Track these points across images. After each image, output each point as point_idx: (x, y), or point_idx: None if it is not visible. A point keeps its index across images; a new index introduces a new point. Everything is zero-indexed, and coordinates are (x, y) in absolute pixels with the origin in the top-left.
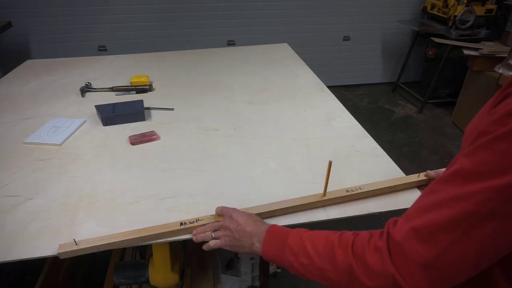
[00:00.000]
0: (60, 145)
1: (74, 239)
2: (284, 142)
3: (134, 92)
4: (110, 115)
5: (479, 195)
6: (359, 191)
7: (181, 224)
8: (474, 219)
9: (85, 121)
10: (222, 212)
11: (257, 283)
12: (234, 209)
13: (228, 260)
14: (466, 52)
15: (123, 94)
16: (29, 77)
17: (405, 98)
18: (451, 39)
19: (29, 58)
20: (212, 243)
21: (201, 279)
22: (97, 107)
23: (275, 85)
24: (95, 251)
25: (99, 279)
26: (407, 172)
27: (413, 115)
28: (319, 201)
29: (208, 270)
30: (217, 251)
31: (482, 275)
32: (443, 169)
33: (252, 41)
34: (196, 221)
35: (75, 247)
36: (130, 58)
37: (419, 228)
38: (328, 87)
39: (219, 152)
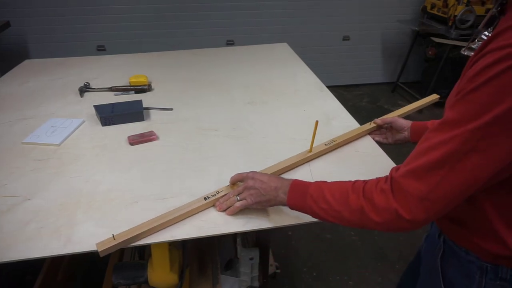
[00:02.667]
0: (58, 145)
1: (112, 234)
2: (283, 142)
3: (133, 92)
4: (109, 115)
5: (460, 137)
6: (334, 143)
7: (205, 198)
8: (457, 157)
9: (83, 121)
10: (239, 178)
11: (256, 284)
12: (253, 172)
13: (227, 260)
14: (466, 52)
15: (122, 94)
16: (28, 77)
17: (405, 98)
18: (451, 39)
19: (28, 58)
20: (239, 204)
21: (200, 280)
22: (96, 107)
23: (275, 85)
24: (132, 244)
25: (98, 279)
26: None
27: (413, 115)
28: (308, 156)
29: (207, 270)
30: (216, 251)
31: (476, 213)
32: (388, 115)
33: (252, 41)
34: (217, 193)
35: (114, 242)
36: (128, 58)
37: (415, 169)
38: (328, 87)
39: (218, 152)
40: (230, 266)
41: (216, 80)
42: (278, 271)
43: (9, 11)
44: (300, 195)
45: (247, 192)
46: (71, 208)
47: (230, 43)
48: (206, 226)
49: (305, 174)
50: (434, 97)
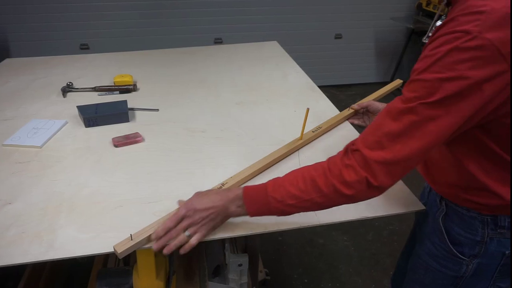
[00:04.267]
0: (40, 147)
1: (130, 234)
2: (273, 144)
3: (118, 92)
4: (93, 116)
5: (416, 110)
6: (320, 129)
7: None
8: (415, 126)
9: (66, 122)
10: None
11: None
12: (191, 201)
13: (215, 267)
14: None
15: (106, 94)
16: (8, 76)
17: None
18: None
19: (8, 57)
20: (195, 241)
21: (187, 287)
22: (79, 107)
23: (264, 84)
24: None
25: (81, 286)
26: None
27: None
28: (299, 143)
29: (194, 277)
30: (204, 258)
31: (467, 175)
32: (363, 100)
33: (240, 39)
34: (222, 186)
35: (132, 243)
36: (113, 57)
37: (379, 140)
38: (319, 87)
39: (206, 154)
40: (218, 272)
41: (204, 79)
42: (268, 277)
43: None
44: (260, 201)
45: (195, 226)
46: (53, 213)
47: (218, 41)
48: None
49: (296, 163)
50: (397, 82)
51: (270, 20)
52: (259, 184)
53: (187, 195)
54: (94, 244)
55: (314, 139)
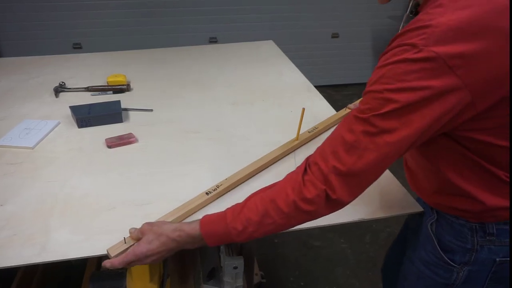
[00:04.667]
0: (32, 148)
1: (124, 238)
2: (268, 145)
3: (111, 92)
4: (86, 117)
5: (369, 123)
6: (317, 130)
7: (207, 193)
8: (369, 138)
9: (59, 123)
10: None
11: None
12: (139, 247)
13: (210, 269)
14: None
15: (99, 95)
16: None
17: None
18: None
19: None
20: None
21: None
22: (72, 108)
23: (260, 84)
24: None
25: None
26: (401, 179)
27: None
28: (295, 144)
29: (189, 280)
30: (198, 260)
31: (448, 184)
32: (360, 100)
33: (236, 38)
34: (217, 187)
35: (126, 246)
36: (106, 56)
37: (334, 151)
38: (316, 87)
39: (200, 155)
40: (213, 275)
41: (198, 79)
42: (264, 280)
43: None
44: (220, 233)
45: (147, 261)
46: (46, 214)
47: (213, 40)
48: None
49: (291, 164)
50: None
51: (266, 19)
52: (218, 214)
53: (181, 197)
54: (87, 246)
55: (310, 140)
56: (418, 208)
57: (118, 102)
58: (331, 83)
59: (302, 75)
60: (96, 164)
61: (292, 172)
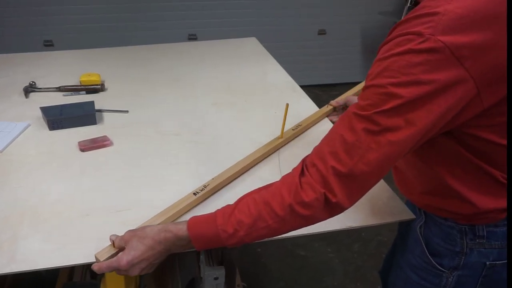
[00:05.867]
0: (1, 151)
1: (112, 241)
2: (251, 148)
3: (84, 92)
4: (57, 118)
5: (371, 120)
6: (300, 127)
7: (194, 194)
8: (371, 137)
9: (29, 125)
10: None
11: None
12: (123, 255)
13: (189, 280)
14: None
15: (71, 95)
16: None
17: None
18: None
19: None
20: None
21: None
22: (43, 109)
23: (242, 84)
24: None
25: None
26: (392, 184)
27: None
28: (280, 142)
29: None
30: (177, 270)
31: (440, 184)
32: (341, 96)
33: (216, 35)
34: (204, 187)
35: (115, 250)
36: (79, 54)
37: (335, 151)
38: (301, 86)
39: (179, 159)
40: (193, 286)
41: (177, 79)
42: None
43: None
44: (209, 235)
45: (134, 269)
46: (15, 222)
47: (192, 37)
48: None
49: (275, 164)
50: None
51: (249, 15)
52: (207, 215)
53: (159, 203)
54: (59, 256)
55: (294, 138)
56: (410, 215)
57: (92, 102)
58: (317, 83)
59: (286, 74)
60: (68, 169)
61: (288, 174)
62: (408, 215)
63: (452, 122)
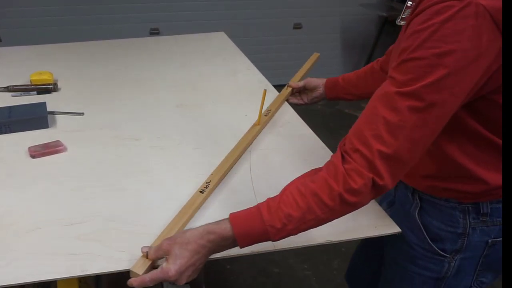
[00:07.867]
0: None
1: (146, 252)
2: (220, 155)
3: (35, 92)
4: (5, 121)
5: (417, 95)
6: (271, 112)
7: (201, 192)
8: (417, 115)
9: None
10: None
11: None
12: (169, 263)
13: None
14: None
15: (21, 95)
16: None
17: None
18: None
19: None
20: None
21: None
22: None
23: (209, 83)
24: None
25: None
26: None
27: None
28: (258, 129)
29: None
30: None
31: (448, 162)
32: (292, 82)
33: (181, 29)
34: (207, 184)
35: (149, 262)
36: (30, 51)
37: (378, 133)
38: (275, 86)
39: (140, 167)
40: None
41: (137, 78)
42: None
43: None
44: (256, 232)
45: (182, 276)
46: None
47: (154, 32)
48: (124, 258)
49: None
50: (315, 56)
51: (217, 7)
52: (247, 211)
53: (117, 215)
54: (5, 274)
55: (267, 124)
56: (395, 229)
57: (44, 104)
58: None
59: (259, 72)
60: (17, 177)
61: (329, 162)
62: (393, 228)
63: (483, 87)
